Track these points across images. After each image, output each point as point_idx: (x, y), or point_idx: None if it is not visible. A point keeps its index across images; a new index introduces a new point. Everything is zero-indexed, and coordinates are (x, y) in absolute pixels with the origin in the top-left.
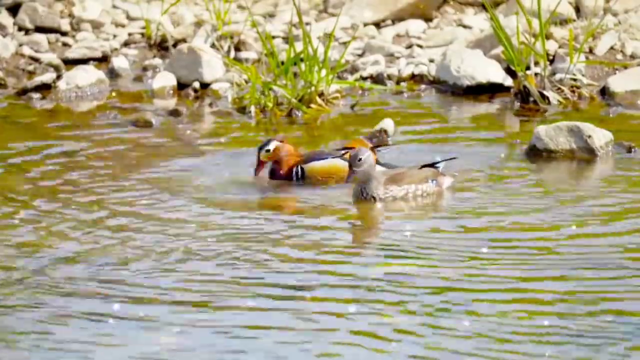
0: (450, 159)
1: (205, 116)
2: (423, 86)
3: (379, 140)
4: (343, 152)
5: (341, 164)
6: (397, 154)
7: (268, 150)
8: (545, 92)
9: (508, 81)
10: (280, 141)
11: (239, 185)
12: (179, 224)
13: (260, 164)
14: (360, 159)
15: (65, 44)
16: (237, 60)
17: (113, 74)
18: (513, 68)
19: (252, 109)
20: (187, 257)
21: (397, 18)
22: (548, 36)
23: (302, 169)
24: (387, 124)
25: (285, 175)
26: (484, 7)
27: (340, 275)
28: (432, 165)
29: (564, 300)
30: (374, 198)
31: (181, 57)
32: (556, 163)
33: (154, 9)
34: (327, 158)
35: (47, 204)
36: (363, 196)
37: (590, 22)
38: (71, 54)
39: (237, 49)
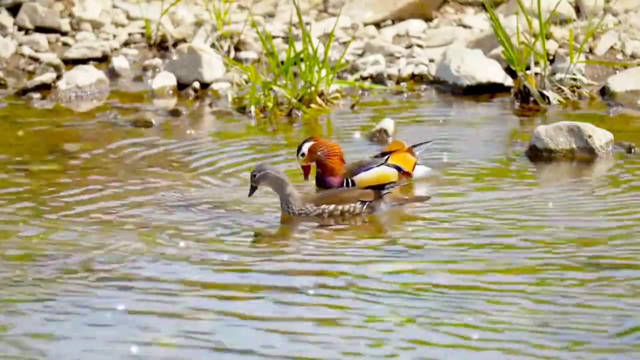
0: (393, 183)
1: (205, 116)
2: (423, 86)
3: (378, 141)
4: (385, 157)
5: (389, 171)
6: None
7: (303, 154)
8: (545, 92)
9: (508, 81)
10: (314, 140)
11: (238, 185)
12: (180, 224)
13: (304, 168)
14: (254, 175)
15: (65, 44)
16: (237, 60)
17: (113, 74)
18: (513, 68)
19: (252, 109)
20: (187, 258)
21: (397, 18)
22: (548, 36)
23: (352, 181)
24: (387, 124)
25: (336, 185)
26: (484, 7)
27: (340, 274)
28: (379, 187)
29: (563, 300)
30: (292, 212)
31: (181, 57)
32: (556, 163)
33: (154, 9)
34: (372, 167)
35: (46, 204)
36: (284, 209)
37: (590, 22)
38: (71, 54)
39: (237, 49)
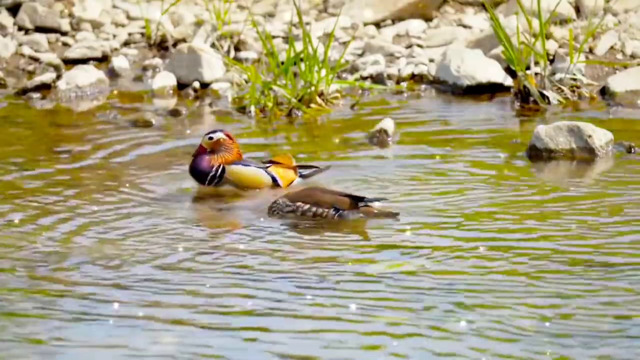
0: (382, 199)
1: (205, 116)
2: (423, 86)
3: (378, 141)
4: (268, 165)
5: (264, 176)
6: (323, 176)
7: (211, 138)
8: (545, 92)
9: (508, 81)
10: (227, 135)
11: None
12: (179, 225)
13: (200, 148)
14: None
15: (65, 44)
16: (237, 60)
17: (113, 74)
18: (513, 68)
19: (252, 109)
20: (185, 259)
21: (397, 18)
22: (548, 36)
23: (224, 168)
24: (387, 124)
25: (204, 168)
26: (484, 7)
27: (340, 274)
28: (357, 198)
29: (564, 299)
30: (276, 212)
31: (181, 57)
32: (556, 163)
33: (154, 9)
34: (250, 165)
35: (46, 203)
36: (271, 211)
37: (590, 22)
38: (71, 53)
39: (237, 49)
